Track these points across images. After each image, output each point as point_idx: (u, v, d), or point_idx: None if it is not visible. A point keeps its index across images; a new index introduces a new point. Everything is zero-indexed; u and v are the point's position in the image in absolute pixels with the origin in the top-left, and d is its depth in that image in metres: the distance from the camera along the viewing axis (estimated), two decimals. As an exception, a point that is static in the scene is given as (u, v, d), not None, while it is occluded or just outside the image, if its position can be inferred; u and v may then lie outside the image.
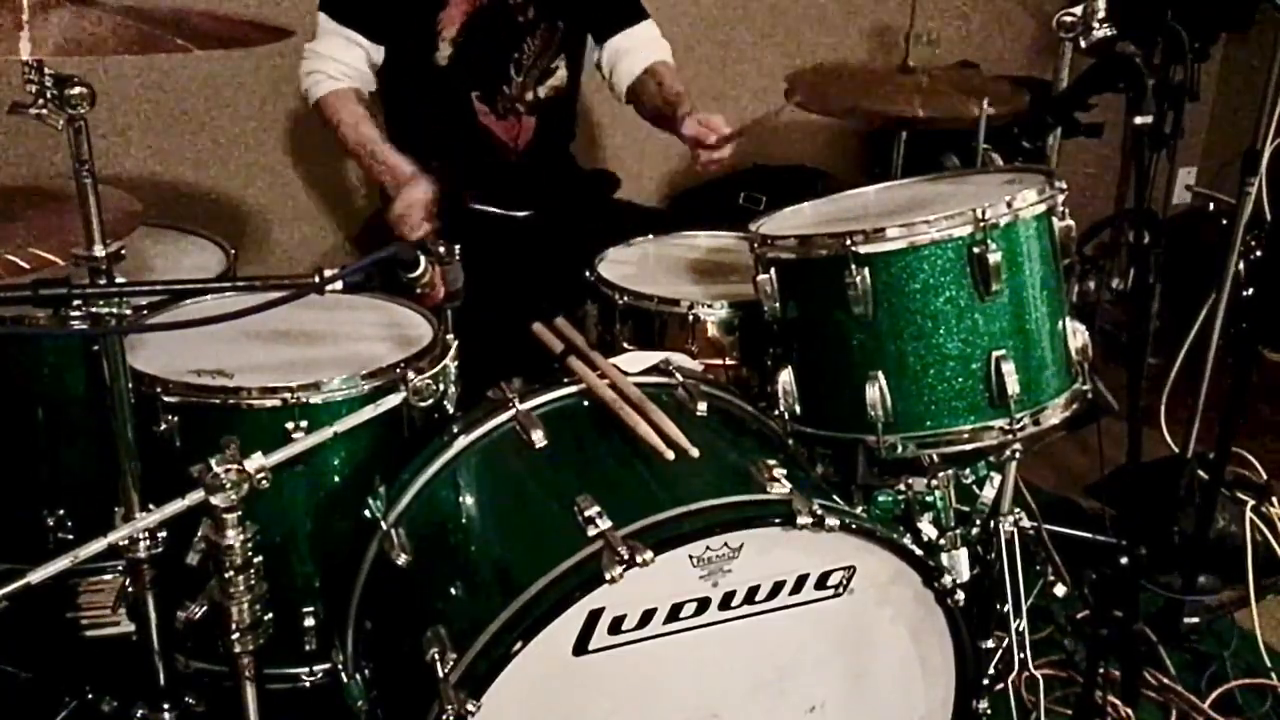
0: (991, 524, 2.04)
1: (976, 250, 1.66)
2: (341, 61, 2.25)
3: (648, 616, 1.39)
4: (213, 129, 2.90)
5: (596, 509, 1.40)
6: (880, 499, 1.85)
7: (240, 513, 1.37)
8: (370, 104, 2.30)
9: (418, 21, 2.27)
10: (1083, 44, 1.88)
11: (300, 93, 2.32)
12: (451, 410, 1.74)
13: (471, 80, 2.34)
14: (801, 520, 1.39)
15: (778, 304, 1.78)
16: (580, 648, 1.38)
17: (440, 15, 2.27)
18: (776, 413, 1.79)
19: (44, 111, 1.35)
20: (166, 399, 1.65)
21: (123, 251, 1.42)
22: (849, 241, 1.66)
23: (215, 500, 1.35)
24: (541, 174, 2.45)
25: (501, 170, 2.40)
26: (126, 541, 1.47)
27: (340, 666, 1.68)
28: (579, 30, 2.48)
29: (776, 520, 1.41)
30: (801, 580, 1.46)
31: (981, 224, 1.65)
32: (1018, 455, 1.81)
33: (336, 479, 1.71)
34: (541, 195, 2.42)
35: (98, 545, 1.33)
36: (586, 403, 1.69)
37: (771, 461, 1.51)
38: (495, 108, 2.37)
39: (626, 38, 2.52)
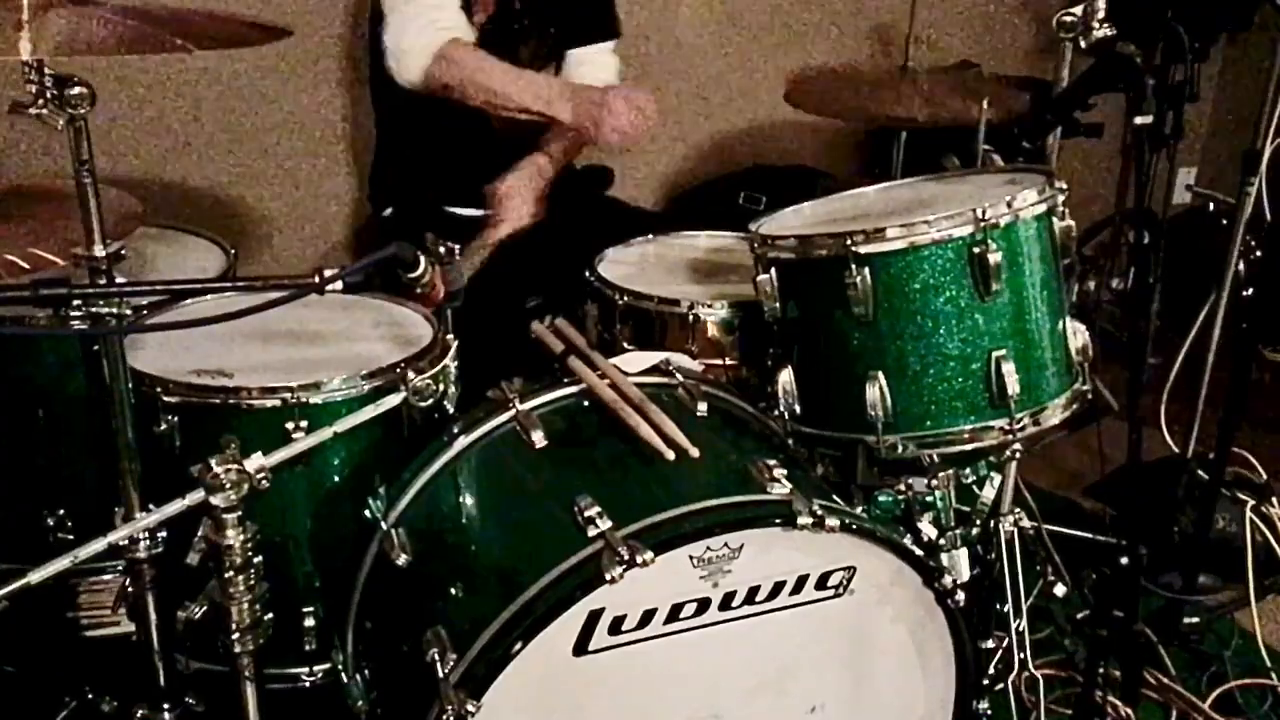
0: (991, 524, 2.04)
1: (977, 250, 1.66)
2: (443, 6, 2.15)
3: (648, 617, 1.39)
4: (214, 129, 2.90)
5: (596, 509, 1.40)
6: (880, 499, 1.85)
7: (240, 513, 1.37)
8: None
9: None
10: (1083, 44, 1.88)
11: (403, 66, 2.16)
12: (451, 410, 1.74)
13: None
14: (802, 520, 1.39)
15: (778, 304, 1.78)
16: (580, 648, 1.38)
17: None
18: (776, 413, 1.79)
19: (44, 111, 1.35)
20: (166, 399, 1.65)
21: (123, 251, 1.42)
22: (849, 241, 1.66)
23: (215, 500, 1.35)
24: None
25: (505, 156, 2.39)
26: (126, 541, 1.47)
27: (340, 666, 1.68)
28: (563, 39, 2.48)
29: (777, 520, 1.41)
30: (802, 580, 1.46)
31: (982, 224, 1.65)
32: (1018, 455, 1.80)
33: (336, 479, 1.71)
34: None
35: (98, 545, 1.33)
36: (586, 403, 1.69)
37: (771, 461, 1.51)
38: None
39: (586, 52, 2.53)
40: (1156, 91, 1.65)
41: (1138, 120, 1.65)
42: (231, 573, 1.40)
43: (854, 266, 1.66)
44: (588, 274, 2.10)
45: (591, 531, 1.38)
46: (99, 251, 1.40)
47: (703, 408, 1.68)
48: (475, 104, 2.17)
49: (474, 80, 2.13)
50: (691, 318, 1.95)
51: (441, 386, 1.68)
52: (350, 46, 2.88)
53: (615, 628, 1.38)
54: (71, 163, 1.37)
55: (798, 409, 1.79)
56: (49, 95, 1.34)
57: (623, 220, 2.50)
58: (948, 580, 1.52)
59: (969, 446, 1.74)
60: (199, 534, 1.51)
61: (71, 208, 1.40)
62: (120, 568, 1.61)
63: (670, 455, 1.51)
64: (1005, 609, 2.03)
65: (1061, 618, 2.25)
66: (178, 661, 1.67)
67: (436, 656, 1.38)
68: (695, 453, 1.52)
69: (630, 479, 1.55)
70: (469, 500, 1.63)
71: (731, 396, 1.79)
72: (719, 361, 1.96)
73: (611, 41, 2.56)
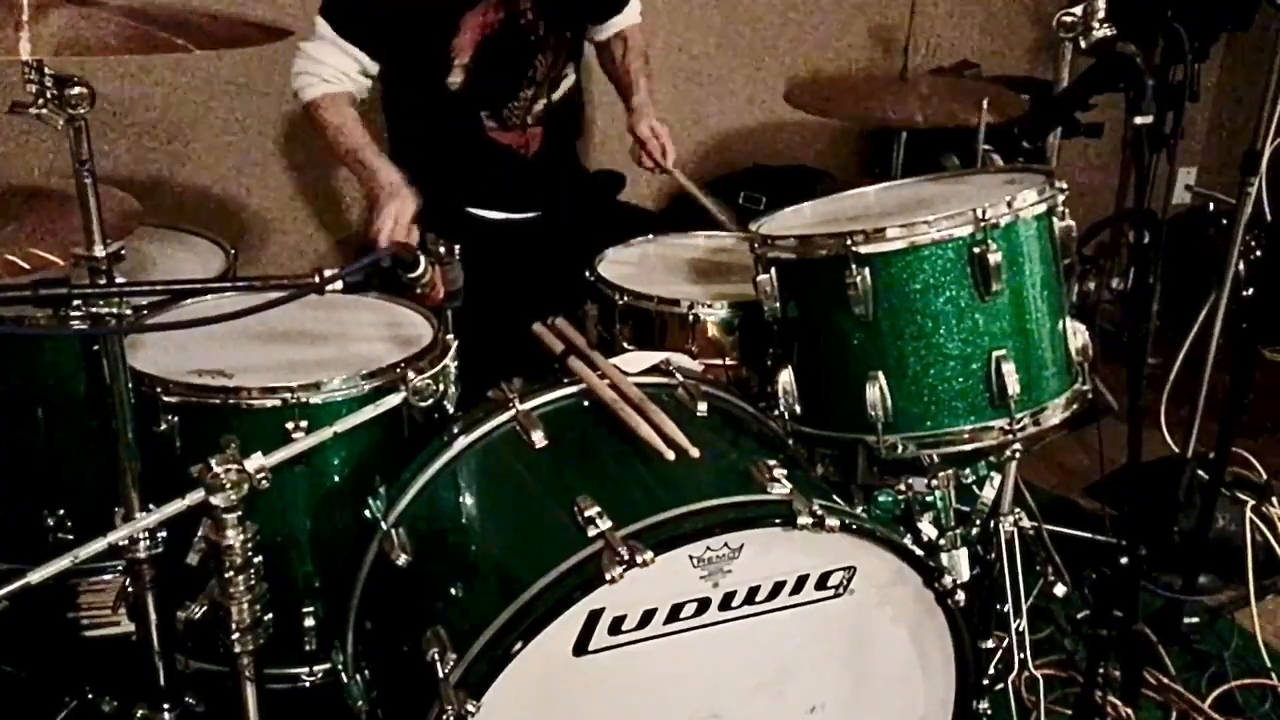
0: (991, 524, 2.04)
1: (977, 250, 1.66)
2: (335, 68, 2.21)
3: (648, 617, 1.39)
4: (213, 129, 2.90)
5: (596, 509, 1.40)
6: (880, 499, 1.85)
7: (240, 513, 1.37)
8: (368, 109, 2.28)
9: (429, 46, 2.24)
10: (1083, 44, 1.88)
11: (291, 91, 2.29)
12: (451, 410, 1.74)
13: (483, 101, 2.32)
14: (802, 520, 1.39)
15: (778, 304, 1.78)
16: (580, 648, 1.38)
17: (453, 42, 2.24)
18: (776, 413, 1.79)
19: (44, 111, 1.35)
20: (166, 399, 1.65)
21: (123, 251, 1.42)
22: (849, 241, 1.66)
23: (215, 500, 1.35)
24: (549, 176, 2.44)
25: (508, 175, 2.39)
26: (126, 541, 1.47)
27: (340, 666, 1.68)
28: (583, 32, 2.48)
29: (777, 520, 1.41)
30: (802, 580, 1.46)
31: (982, 224, 1.65)
32: (1018, 455, 1.80)
33: (336, 479, 1.71)
34: (547, 197, 2.42)
35: (98, 545, 1.33)
36: (586, 403, 1.69)
37: (771, 461, 1.51)
38: (504, 123, 2.35)
39: (618, 17, 2.55)
40: (1156, 91, 1.64)
41: (1138, 120, 1.65)
42: (231, 573, 1.40)
43: (854, 266, 1.66)
44: (588, 274, 2.10)
45: (591, 531, 1.38)
46: (99, 251, 1.39)
47: (703, 408, 1.68)
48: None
49: (327, 136, 2.23)
50: (691, 318, 1.95)
51: (441, 386, 1.68)
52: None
53: (615, 628, 1.38)
54: (71, 163, 1.37)
55: (798, 409, 1.79)
56: (49, 95, 1.34)
57: (626, 220, 2.50)
58: (948, 580, 1.52)
59: (969, 446, 1.74)
60: (199, 534, 1.51)
61: (71, 208, 1.40)
62: (120, 568, 1.61)
63: (670, 455, 1.51)
64: (1005, 609, 2.03)
65: (1061, 618, 2.25)
66: (178, 661, 1.67)
67: (436, 656, 1.38)
68: (695, 453, 1.52)
69: (630, 479, 1.54)
70: (469, 500, 1.63)
71: (731, 396, 1.79)
72: (719, 361, 1.96)
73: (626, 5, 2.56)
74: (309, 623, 1.75)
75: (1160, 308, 2.57)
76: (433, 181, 2.23)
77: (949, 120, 2.25)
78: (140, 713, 1.66)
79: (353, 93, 2.25)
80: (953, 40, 3.61)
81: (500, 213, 2.39)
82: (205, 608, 1.52)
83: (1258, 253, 2.48)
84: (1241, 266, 2.42)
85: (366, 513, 1.65)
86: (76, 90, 1.32)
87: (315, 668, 1.77)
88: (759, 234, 1.80)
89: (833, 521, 1.40)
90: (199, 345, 1.74)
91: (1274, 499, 2.45)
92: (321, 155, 2.97)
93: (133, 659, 1.62)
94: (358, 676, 1.66)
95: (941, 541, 1.88)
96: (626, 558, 1.30)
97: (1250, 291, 2.37)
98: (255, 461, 1.36)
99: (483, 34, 2.26)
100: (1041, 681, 2.08)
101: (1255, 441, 2.58)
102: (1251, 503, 2.44)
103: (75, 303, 1.45)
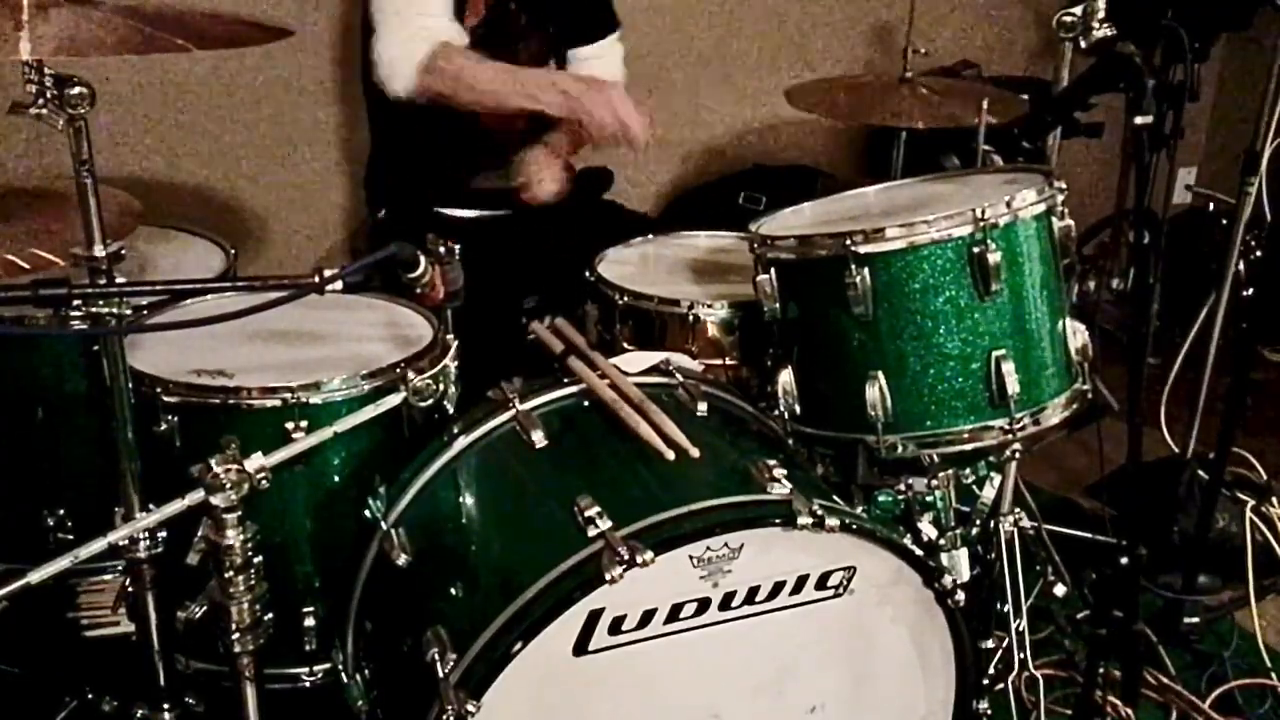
0: (991, 524, 2.04)
1: (976, 250, 1.66)
2: (430, 12, 2.12)
3: (648, 617, 1.39)
4: (213, 129, 2.90)
5: (596, 509, 1.40)
6: (880, 499, 1.85)
7: (240, 513, 1.37)
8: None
9: None
10: (1083, 44, 1.88)
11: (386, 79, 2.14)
12: (451, 410, 1.74)
13: None
14: (802, 520, 1.39)
15: (778, 304, 1.78)
16: (580, 648, 1.38)
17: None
18: (776, 413, 1.79)
19: (44, 111, 1.35)
20: (166, 399, 1.65)
21: (123, 251, 1.42)
22: (849, 241, 1.66)
23: (215, 500, 1.35)
24: None
25: (488, 159, 2.37)
26: (126, 541, 1.47)
27: (340, 666, 1.68)
28: (565, 36, 2.46)
29: (777, 520, 1.41)
30: (802, 580, 1.46)
31: (981, 224, 1.65)
32: (1018, 455, 1.80)
33: (336, 479, 1.71)
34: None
35: (98, 545, 1.33)
36: (586, 403, 1.69)
37: (771, 461, 1.51)
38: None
39: (590, 49, 2.49)
40: (1156, 91, 1.65)
41: (1138, 120, 1.65)
42: (231, 573, 1.40)
43: (854, 266, 1.66)
44: (588, 274, 2.10)
45: (591, 531, 1.38)
46: (99, 251, 1.39)
47: (703, 408, 1.68)
48: (467, 107, 2.16)
49: (464, 84, 2.12)
50: (691, 318, 1.95)
51: (441, 386, 1.68)
52: (347, 48, 2.87)
53: (615, 628, 1.38)
54: (71, 163, 1.37)
55: (798, 409, 1.79)
56: (49, 95, 1.34)
57: (622, 225, 2.49)
58: (948, 580, 1.52)
59: (969, 446, 1.74)
60: (199, 534, 1.51)
61: (71, 208, 1.40)
62: (120, 568, 1.61)
63: (670, 455, 1.51)
64: (1005, 609, 2.03)
65: (1061, 618, 2.25)
66: (178, 661, 1.67)
67: (436, 656, 1.38)
68: (695, 453, 1.52)
69: (630, 479, 1.54)
70: (469, 500, 1.63)
71: (731, 396, 1.79)
72: (719, 361, 1.96)
73: (614, 34, 2.52)
74: (309, 623, 1.75)
75: (1160, 308, 2.58)
76: (420, 181, 2.23)
77: (949, 121, 2.26)
78: (140, 713, 1.66)
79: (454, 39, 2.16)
80: (953, 40, 3.61)
81: (473, 210, 2.37)
82: (205, 608, 1.51)
83: (1258, 253, 2.48)
84: (1241, 266, 2.43)
85: (366, 513, 1.65)
86: (76, 90, 1.32)
87: (315, 668, 1.77)
88: (759, 234, 1.80)
89: (833, 521, 1.40)
90: (199, 345, 1.73)
91: (1274, 499, 2.45)
92: (326, 152, 2.99)
93: (133, 659, 1.63)
94: (358, 676, 1.66)
95: (941, 541, 1.88)
96: (626, 558, 1.30)
97: (1250, 291, 2.37)
98: (255, 461, 1.36)
99: (477, 20, 2.25)
100: (1041, 681, 2.08)
101: (1255, 441, 2.58)
102: (1251, 503, 2.44)
103: (75, 303, 1.45)
